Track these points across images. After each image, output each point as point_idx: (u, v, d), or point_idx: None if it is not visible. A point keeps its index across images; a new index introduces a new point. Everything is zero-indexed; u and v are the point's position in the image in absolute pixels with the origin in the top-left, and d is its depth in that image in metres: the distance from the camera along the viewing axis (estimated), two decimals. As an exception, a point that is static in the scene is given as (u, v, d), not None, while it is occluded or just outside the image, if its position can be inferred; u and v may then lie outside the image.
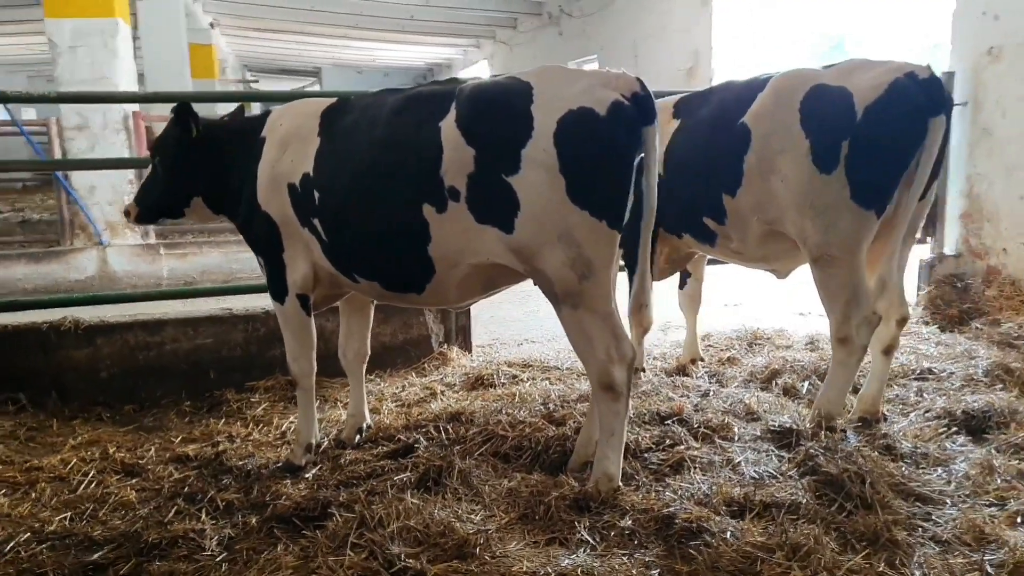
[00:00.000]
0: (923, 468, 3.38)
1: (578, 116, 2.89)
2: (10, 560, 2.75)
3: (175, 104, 3.68)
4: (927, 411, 4.03)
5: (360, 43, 22.75)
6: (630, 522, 2.92)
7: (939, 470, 3.36)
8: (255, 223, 3.57)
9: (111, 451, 3.68)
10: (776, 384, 4.49)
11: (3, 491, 3.30)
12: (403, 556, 2.65)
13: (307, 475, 3.47)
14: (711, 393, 4.36)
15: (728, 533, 2.73)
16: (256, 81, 28.99)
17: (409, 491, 3.12)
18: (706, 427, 3.79)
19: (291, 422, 4.13)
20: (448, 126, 3.02)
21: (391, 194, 3.15)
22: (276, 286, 3.60)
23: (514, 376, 4.70)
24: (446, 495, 3.13)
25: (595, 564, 2.62)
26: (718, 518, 2.85)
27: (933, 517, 2.97)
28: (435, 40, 22.90)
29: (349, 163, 3.27)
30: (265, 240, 3.57)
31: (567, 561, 2.64)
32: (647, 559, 2.70)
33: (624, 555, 2.73)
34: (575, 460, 3.46)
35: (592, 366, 3.10)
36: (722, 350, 5.29)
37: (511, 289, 3.60)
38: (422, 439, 3.74)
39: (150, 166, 3.86)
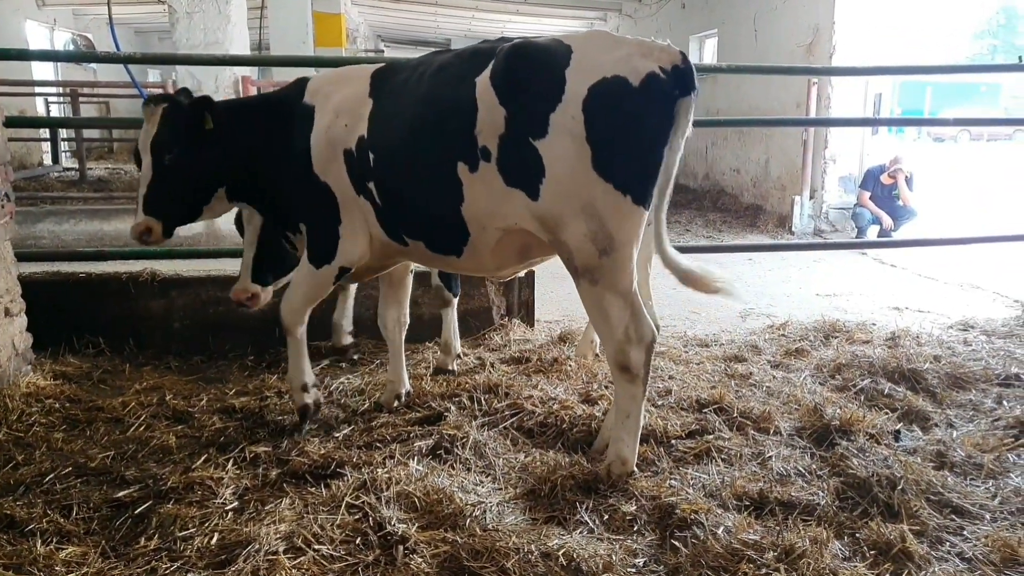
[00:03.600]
0: (971, 479, 3.10)
1: (610, 85, 2.80)
2: (45, 491, 3.00)
3: (195, 98, 3.52)
4: (997, 419, 3.67)
5: (490, 15, 22.89)
6: (633, 508, 2.86)
7: (989, 483, 3.07)
8: (308, 195, 3.44)
9: (167, 398, 3.94)
10: (837, 379, 4.22)
11: (64, 427, 3.61)
12: (394, 520, 2.71)
13: (338, 434, 3.59)
14: (763, 384, 4.15)
15: (721, 528, 2.61)
16: (383, 52, 29.79)
17: (417, 457, 3.17)
18: (744, 418, 3.63)
19: (341, 382, 4.27)
20: (483, 84, 2.99)
21: (431, 151, 3.14)
22: (320, 252, 3.50)
23: (567, 355, 4.64)
24: (455, 465, 3.16)
25: (581, 547, 2.57)
26: (718, 512, 2.74)
27: (965, 532, 2.73)
28: (564, 13, 22.68)
29: (397, 122, 3.24)
30: (319, 211, 3.46)
31: (556, 541, 2.60)
32: (636, 546, 2.63)
33: (616, 540, 2.67)
34: (599, 442, 3.41)
35: (609, 345, 3.02)
36: (794, 341, 5.01)
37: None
38: (453, 408, 3.78)
39: (149, 172, 3.40)
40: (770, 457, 3.24)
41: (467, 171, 3.06)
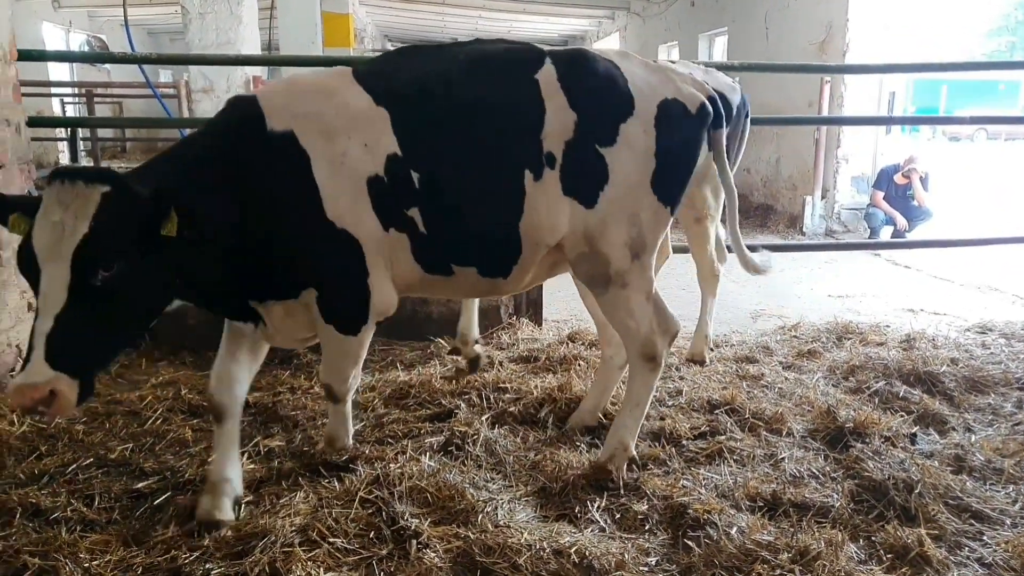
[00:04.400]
0: (991, 484, 3.08)
1: (672, 107, 3.00)
2: (68, 480, 3.05)
3: (152, 191, 2.31)
4: (1018, 424, 3.66)
5: (498, 14, 22.89)
6: (645, 507, 2.86)
7: (1009, 488, 3.05)
8: (319, 251, 2.74)
9: (183, 392, 3.97)
10: (851, 381, 4.20)
11: (84, 419, 3.64)
12: (407, 515, 2.72)
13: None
14: (776, 385, 4.14)
15: (735, 528, 2.60)
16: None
17: (429, 453, 3.18)
18: (756, 419, 3.62)
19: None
20: (550, 85, 2.88)
21: (496, 160, 2.87)
22: (348, 315, 2.89)
23: (575, 353, 4.63)
24: (467, 461, 3.17)
25: (594, 545, 2.58)
26: (731, 512, 2.73)
27: (985, 537, 2.71)
28: (572, 12, 22.67)
29: (444, 130, 2.84)
30: (338, 266, 2.79)
31: (567, 539, 2.60)
32: (648, 545, 2.63)
33: (628, 539, 2.68)
34: (575, 419, 3.59)
35: (636, 339, 3.11)
36: (806, 342, 4.98)
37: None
38: (463, 405, 3.79)
39: (60, 296, 2.17)
40: (783, 459, 3.23)
41: (531, 180, 2.88)
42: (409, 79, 2.88)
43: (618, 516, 2.83)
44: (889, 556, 2.55)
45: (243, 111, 2.76)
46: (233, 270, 2.67)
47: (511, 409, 3.71)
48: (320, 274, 2.79)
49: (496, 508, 2.79)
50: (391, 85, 2.87)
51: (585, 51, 3.07)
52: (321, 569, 2.45)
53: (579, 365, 4.38)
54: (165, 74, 20.55)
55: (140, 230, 2.29)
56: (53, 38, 18.26)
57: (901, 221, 9.78)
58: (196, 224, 2.35)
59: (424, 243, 2.85)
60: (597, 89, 2.94)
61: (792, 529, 2.63)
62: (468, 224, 2.88)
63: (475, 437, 3.32)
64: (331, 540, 2.59)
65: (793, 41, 11.15)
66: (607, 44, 23.16)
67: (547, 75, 2.90)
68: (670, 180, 3.03)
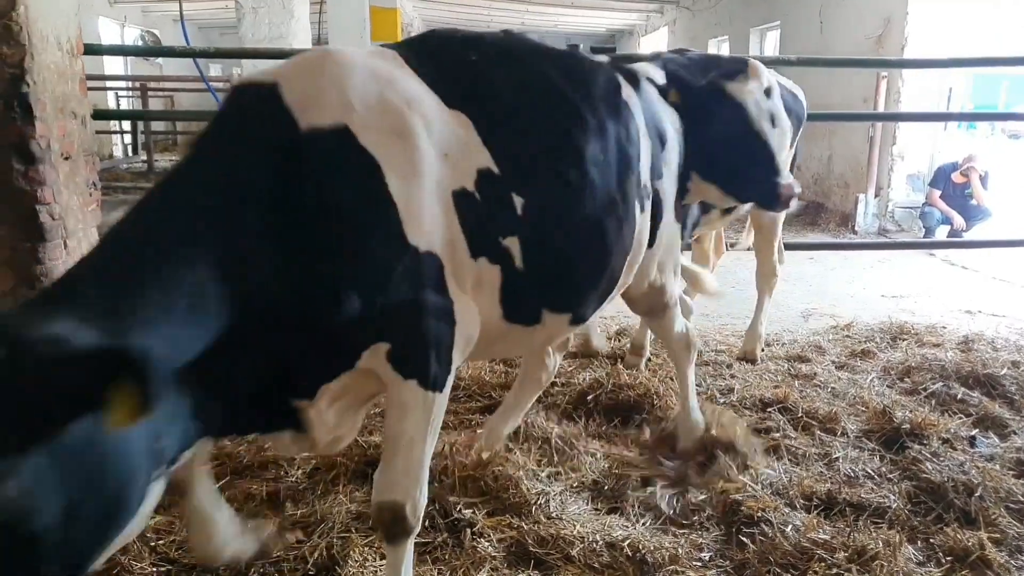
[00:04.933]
0: (1057, 489, 3.00)
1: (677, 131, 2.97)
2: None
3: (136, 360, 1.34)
4: (1089, 426, 3.55)
5: (545, 8, 22.85)
6: (699, 502, 2.86)
7: (1076, 494, 2.96)
8: (395, 285, 1.94)
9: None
10: (906, 382, 4.12)
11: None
12: (460, 505, 2.76)
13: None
14: (828, 384, 4.08)
15: (789, 526, 2.58)
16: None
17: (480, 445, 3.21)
18: (810, 418, 3.58)
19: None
20: (636, 111, 2.63)
21: (616, 183, 2.44)
22: (438, 358, 2.06)
23: (625, 349, 4.63)
24: (518, 453, 3.19)
25: (647, 539, 2.59)
26: (785, 510, 2.71)
27: (1047, 543, 2.65)
28: (619, 5, 22.52)
29: (543, 142, 2.28)
30: (423, 300, 1.99)
31: (620, 532, 2.62)
32: (702, 540, 2.63)
33: (681, 534, 2.68)
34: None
35: (679, 341, 3.26)
36: (860, 342, 4.90)
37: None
38: (514, 398, 3.82)
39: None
40: (837, 458, 3.19)
41: (639, 212, 2.60)
42: (479, 70, 2.28)
43: (671, 511, 2.83)
44: (948, 559, 2.52)
45: (262, 107, 1.89)
46: (270, 360, 1.82)
47: (560, 401, 3.73)
48: (398, 317, 1.95)
49: (548, 500, 2.82)
50: (459, 75, 2.22)
51: (635, 70, 2.92)
52: (377, 556, 2.50)
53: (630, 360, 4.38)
54: (215, 68, 20.96)
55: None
56: (109, 33, 18.74)
57: (959, 220, 9.52)
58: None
59: (514, 281, 2.18)
60: (654, 115, 2.80)
61: (848, 529, 2.60)
62: (580, 260, 2.38)
63: (526, 429, 3.34)
64: (386, 527, 2.64)
65: (848, 35, 10.92)
66: (655, 39, 22.95)
67: (629, 95, 2.65)
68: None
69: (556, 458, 3.17)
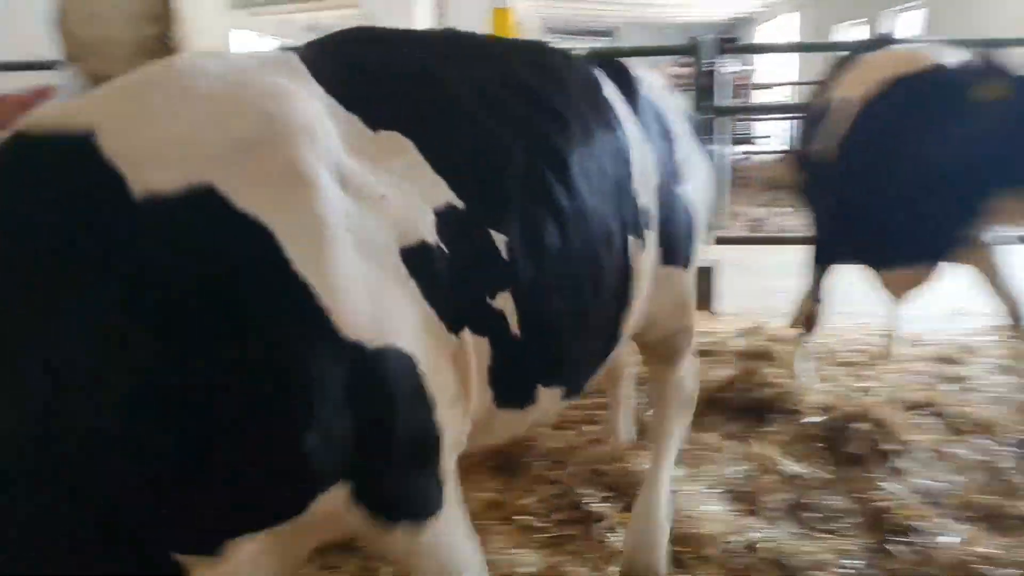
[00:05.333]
0: None
1: None
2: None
3: None
4: None
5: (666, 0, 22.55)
6: (843, 508, 2.71)
7: None
8: (331, 404, 1.23)
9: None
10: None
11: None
12: (591, 498, 2.75)
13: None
14: (984, 388, 3.78)
15: (945, 537, 2.41)
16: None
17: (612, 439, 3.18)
18: (965, 421, 3.32)
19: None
20: (621, 111, 2.04)
21: (599, 218, 1.81)
22: (428, 488, 1.47)
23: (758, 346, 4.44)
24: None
25: (787, 542, 2.48)
26: (938, 520, 2.53)
27: None
28: (744, -8, 21.91)
29: (515, 155, 1.66)
30: (391, 409, 1.33)
31: (758, 534, 2.53)
32: (847, 547, 2.49)
33: (824, 539, 2.55)
34: None
35: (682, 393, 2.63)
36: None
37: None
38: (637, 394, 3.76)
39: None
40: (1001, 467, 2.95)
41: (636, 246, 1.95)
42: (432, 84, 1.65)
43: (815, 515, 2.71)
44: None
45: (68, 167, 1.17)
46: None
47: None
48: (355, 448, 1.27)
49: (683, 498, 2.76)
50: (397, 94, 1.58)
51: (624, 64, 2.29)
52: (511, 546, 2.52)
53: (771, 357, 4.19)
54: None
55: None
56: (247, 45, 19.94)
57: None
58: None
59: (507, 350, 1.57)
60: (659, 114, 2.23)
61: (1017, 544, 2.40)
62: (578, 318, 1.76)
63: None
64: (518, 518, 2.66)
65: (999, 16, 10.11)
66: (777, 24, 22.10)
67: (612, 92, 2.06)
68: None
69: (691, 457, 3.09)
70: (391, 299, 1.33)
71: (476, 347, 1.50)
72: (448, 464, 1.50)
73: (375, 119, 1.45)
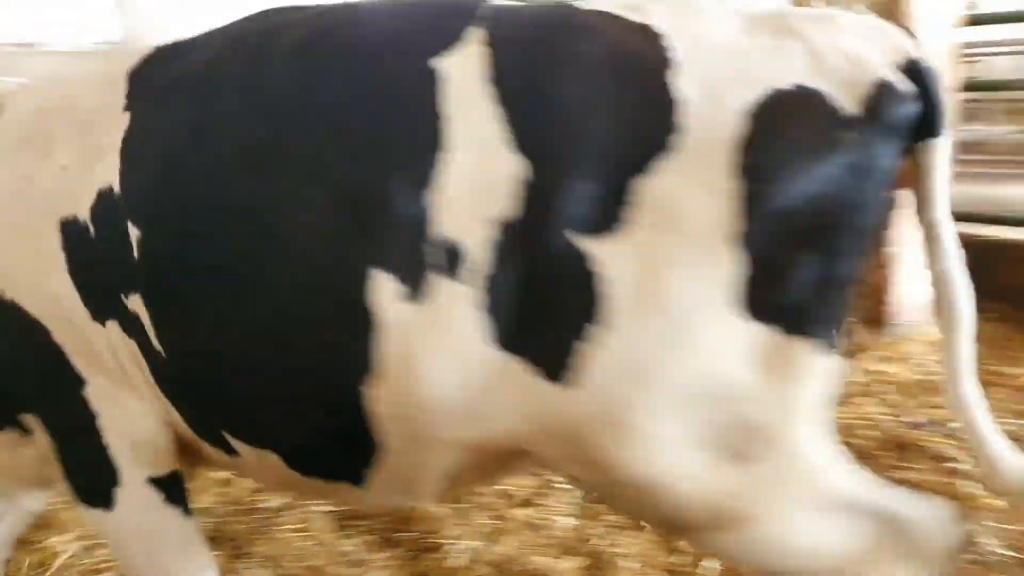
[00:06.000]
0: None
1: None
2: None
3: None
4: None
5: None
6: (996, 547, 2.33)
7: None
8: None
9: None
10: None
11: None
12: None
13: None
14: None
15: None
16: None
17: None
18: None
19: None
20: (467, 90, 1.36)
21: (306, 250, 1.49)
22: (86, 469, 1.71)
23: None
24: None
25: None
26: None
27: None
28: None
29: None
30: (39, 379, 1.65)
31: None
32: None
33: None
34: None
35: None
36: None
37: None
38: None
39: None
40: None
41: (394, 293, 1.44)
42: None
43: (964, 555, 2.33)
44: None
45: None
46: None
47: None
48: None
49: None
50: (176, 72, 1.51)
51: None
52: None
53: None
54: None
55: None
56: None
57: None
58: None
59: (168, 374, 1.50)
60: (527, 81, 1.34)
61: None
62: (246, 359, 1.48)
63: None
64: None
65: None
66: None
67: (459, 76, 1.32)
68: None
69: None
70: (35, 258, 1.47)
71: (127, 347, 1.48)
72: (128, 464, 1.57)
73: (135, 98, 1.50)
